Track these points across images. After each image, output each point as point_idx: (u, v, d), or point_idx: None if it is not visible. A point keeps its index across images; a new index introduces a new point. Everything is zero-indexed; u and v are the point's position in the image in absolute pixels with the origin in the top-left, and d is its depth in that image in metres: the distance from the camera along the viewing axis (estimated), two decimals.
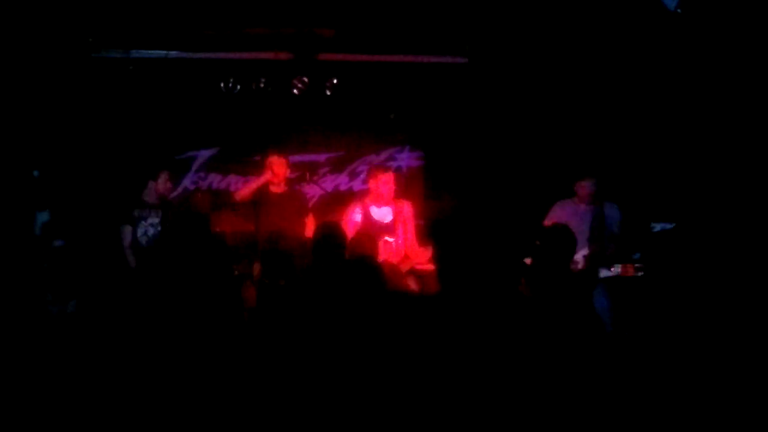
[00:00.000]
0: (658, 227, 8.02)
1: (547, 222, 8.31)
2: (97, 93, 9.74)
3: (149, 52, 9.63)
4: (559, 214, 8.31)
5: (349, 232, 7.91)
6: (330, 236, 6.26)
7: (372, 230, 8.09)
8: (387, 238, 8.28)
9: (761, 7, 7.92)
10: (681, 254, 8.48)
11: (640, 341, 7.59)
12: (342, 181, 10.69)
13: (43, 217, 8.51)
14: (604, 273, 7.98)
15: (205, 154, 10.43)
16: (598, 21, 8.92)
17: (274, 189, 8.66)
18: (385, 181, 8.49)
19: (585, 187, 8.20)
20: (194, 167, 10.39)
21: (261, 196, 8.64)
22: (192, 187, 10.33)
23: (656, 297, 8.35)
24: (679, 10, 7.87)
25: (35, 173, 8.73)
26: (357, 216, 8.42)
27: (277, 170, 8.62)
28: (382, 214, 8.48)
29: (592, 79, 9.61)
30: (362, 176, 10.67)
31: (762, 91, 8.36)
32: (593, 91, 9.67)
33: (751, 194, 8.46)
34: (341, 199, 10.27)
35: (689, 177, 9.09)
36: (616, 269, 7.99)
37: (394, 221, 8.43)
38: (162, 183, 8.61)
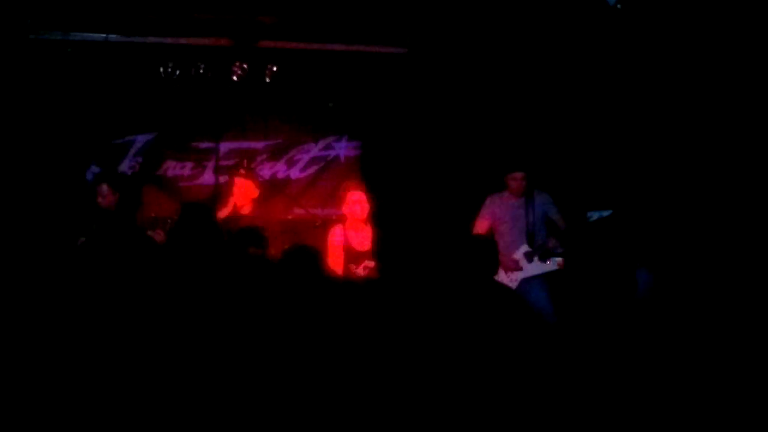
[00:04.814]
0: (595, 215, 8.11)
1: (480, 218, 8.39)
2: (34, 75, 9.62)
3: (88, 34, 9.53)
4: (491, 209, 8.38)
5: (332, 256, 7.94)
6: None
7: (351, 257, 8.08)
8: (368, 263, 8.16)
9: (698, 4, 8.10)
10: (616, 242, 8.66)
11: (582, 331, 7.71)
12: (280, 168, 10.71)
13: None
14: (542, 268, 8.09)
15: (142, 139, 10.36)
16: (537, 14, 9.04)
17: (242, 212, 8.77)
18: (355, 200, 8.45)
19: (515, 179, 8.27)
20: (132, 152, 10.32)
21: (230, 222, 8.60)
22: (129, 172, 10.26)
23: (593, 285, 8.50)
24: (618, 6, 8.01)
25: None
26: (337, 239, 8.33)
27: (241, 192, 8.71)
28: (360, 239, 8.40)
29: (529, 71, 9.74)
30: (300, 164, 10.73)
31: (694, 80, 8.56)
32: (529, 83, 9.80)
33: (684, 182, 8.66)
34: (278, 188, 10.31)
35: (622, 165, 9.26)
36: (553, 263, 8.10)
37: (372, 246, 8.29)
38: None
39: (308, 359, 4.26)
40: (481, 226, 8.35)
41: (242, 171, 9.21)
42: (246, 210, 8.83)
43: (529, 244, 8.10)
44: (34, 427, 4.42)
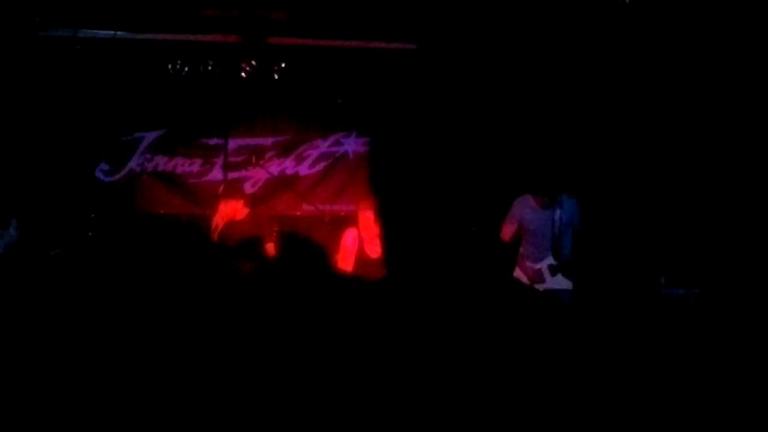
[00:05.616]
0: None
1: (508, 222, 8.16)
2: (43, 72, 9.63)
3: (97, 32, 9.53)
4: (520, 213, 8.10)
5: (343, 258, 7.82)
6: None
7: (362, 263, 7.94)
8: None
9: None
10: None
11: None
12: (288, 165, 10.68)
13: None
14: (565, 284, 7.94)
15: (151, 135, 10.37)
16: (547, 9, 9.01)
17: (237, 218, 8.42)
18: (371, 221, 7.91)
19: (538, 200, 8.04)
20: (140, 149, 10.33)
21: (226, 230, 8.35)
22: (138, 169, 10.28)
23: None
24: (628, 1, 7.97)
25: None
26: (351, 242, 7.93)
27: (222, 214, 8.45)
28: (374, 246, 8.23)
29: (540, 65, 9.69)
30: (309, 161, 10.71)
31: (709, 81, 8.52)
32: (541, 78, 9.75)
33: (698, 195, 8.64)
34: (287, 184, 10.32)
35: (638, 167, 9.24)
36: None
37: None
38: None
39: (311, 359, 4.24)
40: (508, 230, 8.10)
41: (224, 192, 8.86)
42: (240, 215, 8.51)
43: (554, 256, 7.93)
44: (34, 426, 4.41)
